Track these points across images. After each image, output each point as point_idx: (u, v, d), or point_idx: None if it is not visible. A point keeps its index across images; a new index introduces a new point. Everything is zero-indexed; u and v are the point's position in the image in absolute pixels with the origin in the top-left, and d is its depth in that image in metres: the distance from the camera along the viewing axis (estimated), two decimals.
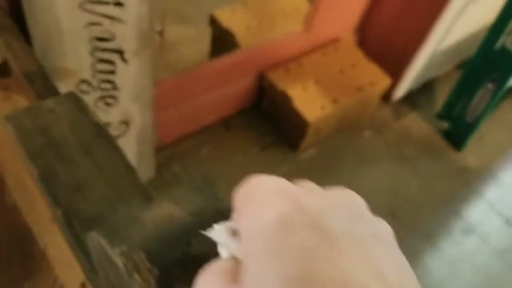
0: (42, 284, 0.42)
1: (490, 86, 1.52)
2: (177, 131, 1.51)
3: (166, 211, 0.26)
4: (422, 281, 1.41)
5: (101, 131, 0.40)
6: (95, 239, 0.26)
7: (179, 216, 0.25)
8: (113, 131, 1.13)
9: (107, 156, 0.38)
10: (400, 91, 1.72)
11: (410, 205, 1.55)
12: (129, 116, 1.13)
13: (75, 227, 0.34)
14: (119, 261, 0.23)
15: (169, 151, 1.51)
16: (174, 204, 0.27)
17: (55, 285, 0.42)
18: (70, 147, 0.38)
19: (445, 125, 1.73)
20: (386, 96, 1.73)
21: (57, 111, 0.40)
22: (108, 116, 1.08)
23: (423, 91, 1.82)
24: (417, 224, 1.52)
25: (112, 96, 1.05)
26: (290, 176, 1.50)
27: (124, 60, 0.96)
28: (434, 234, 1.51)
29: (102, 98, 1.03)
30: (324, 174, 1.57)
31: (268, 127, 1.63)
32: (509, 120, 1.84)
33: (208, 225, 0.25)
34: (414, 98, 1.81)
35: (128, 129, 1.16)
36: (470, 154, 1.71)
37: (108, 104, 1.06)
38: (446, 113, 1.72)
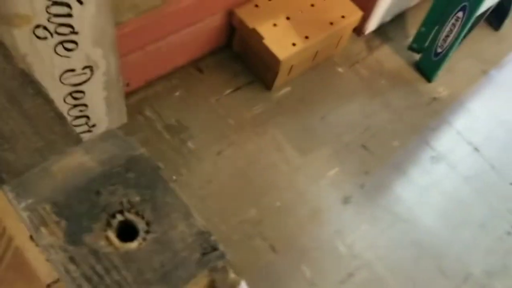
0: None
1: (459, 14, 1.51)
2: (147, 74, 1.48)
3: (76, 161, 0.25)
4: (394, 209, 1.47)
5: (28, 80, 0.37)
6: (6, 194, 0.25)
7: (89, 166, 0.25)
8: (78, 77, 1.11)
9: (35, 106, 0.36)
10: (372, 24, 1.70)
11: (381, 137, 1.58)
12: (92, 61, 1.11)
13: (5, 180, 0.33)
14: (24, 216, 0.23)
15: (140, 96, 1.50)
16: (86, 153, 0.26)
17: (4, 236, 0.41)
18: None
19: (416, 57, 1.74)
20: (358, 30, 1.71)
21: None
22: (71, 61, 1.06)
23: (394, 23, 1.81)
24: (387, 155, 1.56)
25: (71, 41, 1.02)
26: (265, 115, 1.51)
27: (79, 1, 0.93)
28: (405, 163, 1.56)
29: (61, 43, 1.00)
30: (298, 112, 1.58)
31: (240, 68, 1.62)
32: (478, 50, 1.84)
33: (119, 174, 0.24)
34: (386, 31, 1.79)
35: (93, 75, 1.14)
36: (440, 85, 1.73)
37: (68, 49, 1.03)
38: (417, 45, 1.71)
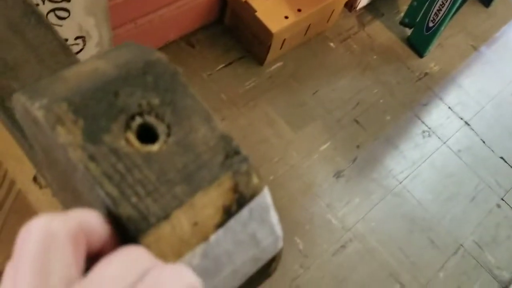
0: None
1: None
2: None
3: (90, 66, 0.24)
4: (385, 182, 1.49)
5: (30, 9, 0.37)
6: (18, 101, 0.24)
7: (104, 69, 0.24)
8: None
9: (38, 35, 0.35)
10: None
11: (373, 112, 1.59)
12: (84, 31, 1.10)
13: (11, 108, 0.33)
14: (39, 115, 0.22)
15: None
16: (100, 59, 0.25)
17: (5, 180, 0.41)
18: None
19: (408, 32, 1.74)
20: (350, 6, 1.70)
21: None
22: (63, 30, 1.04)
23: None
24: (379, 129, 1.57)
25: (63, 9, 1.00)
26: (257, 90, 1.51)
27: None
28: (396, 138, 1.58)
29: (53, 10, 0.99)
30: (290, 87, 1.58)
31: (232, 42, 1.61)
32: (468, 26, 1.85)
33: (136, 76, 0.24)
34: (377, 6, 1.79)
35: (85, 45, 1.13)
36: (432, 60, 1.74)
37: (60, 18, 1.01)
38: (409, 20, 1.72)
